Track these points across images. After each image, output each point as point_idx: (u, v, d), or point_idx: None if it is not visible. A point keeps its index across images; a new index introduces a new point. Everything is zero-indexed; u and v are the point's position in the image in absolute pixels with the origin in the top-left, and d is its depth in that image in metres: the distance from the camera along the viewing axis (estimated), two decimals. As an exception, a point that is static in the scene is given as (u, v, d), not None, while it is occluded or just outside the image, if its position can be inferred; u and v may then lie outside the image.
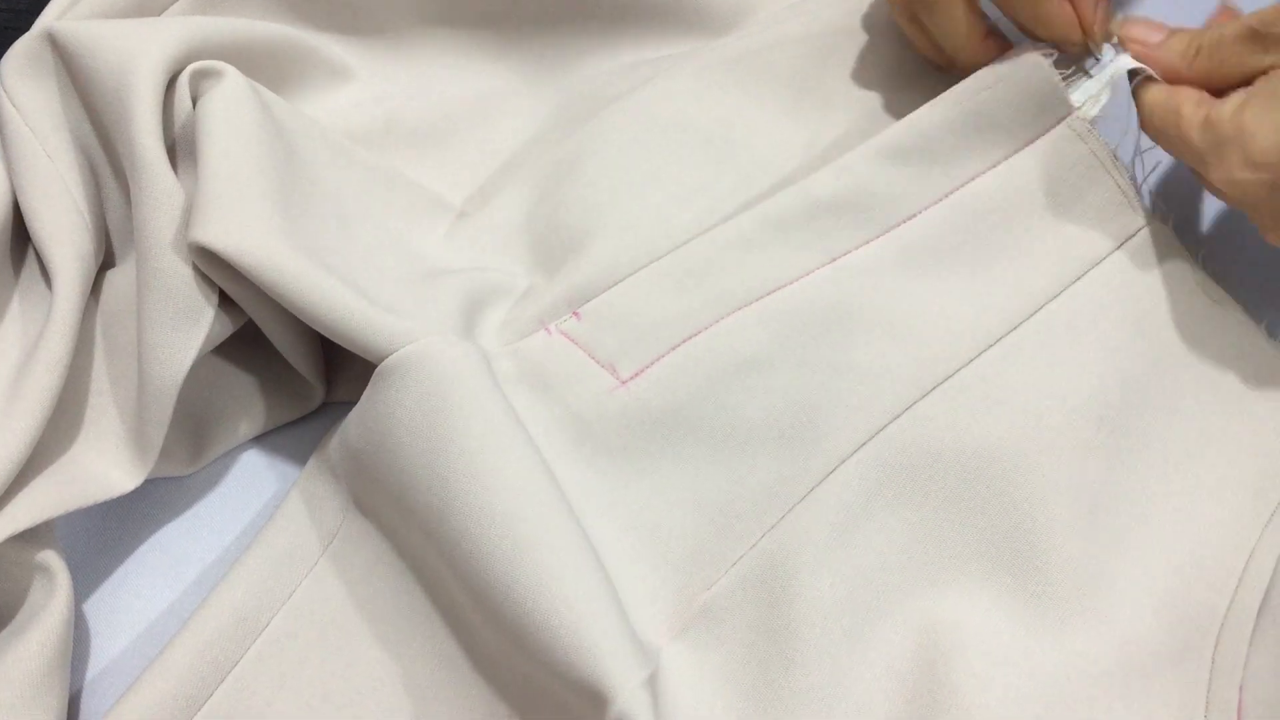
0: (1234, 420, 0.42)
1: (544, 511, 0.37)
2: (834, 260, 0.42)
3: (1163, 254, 0.43)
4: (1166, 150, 0.41)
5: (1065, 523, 0.39)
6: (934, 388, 0.40)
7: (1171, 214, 0.44)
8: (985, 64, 0.43)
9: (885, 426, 0.40)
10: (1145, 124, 0.41)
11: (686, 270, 0.42)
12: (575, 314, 0.42)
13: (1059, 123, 0.43)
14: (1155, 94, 0.40)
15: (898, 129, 0.43)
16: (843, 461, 0.40)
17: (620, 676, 0.34)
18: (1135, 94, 0.41)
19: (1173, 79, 0.40)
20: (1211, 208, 0.47)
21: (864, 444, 0.40)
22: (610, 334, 0.42)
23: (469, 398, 0.38)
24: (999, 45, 0.43)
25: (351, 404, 0.40)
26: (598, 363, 0.41)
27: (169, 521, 0.44)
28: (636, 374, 0.41)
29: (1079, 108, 0.42)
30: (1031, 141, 0.43)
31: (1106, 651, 0.38)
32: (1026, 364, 0.41)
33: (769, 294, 0.42)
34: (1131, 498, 0.40)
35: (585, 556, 0.37)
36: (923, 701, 0.38)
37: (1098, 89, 0.42)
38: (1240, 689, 0.37)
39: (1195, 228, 0.47)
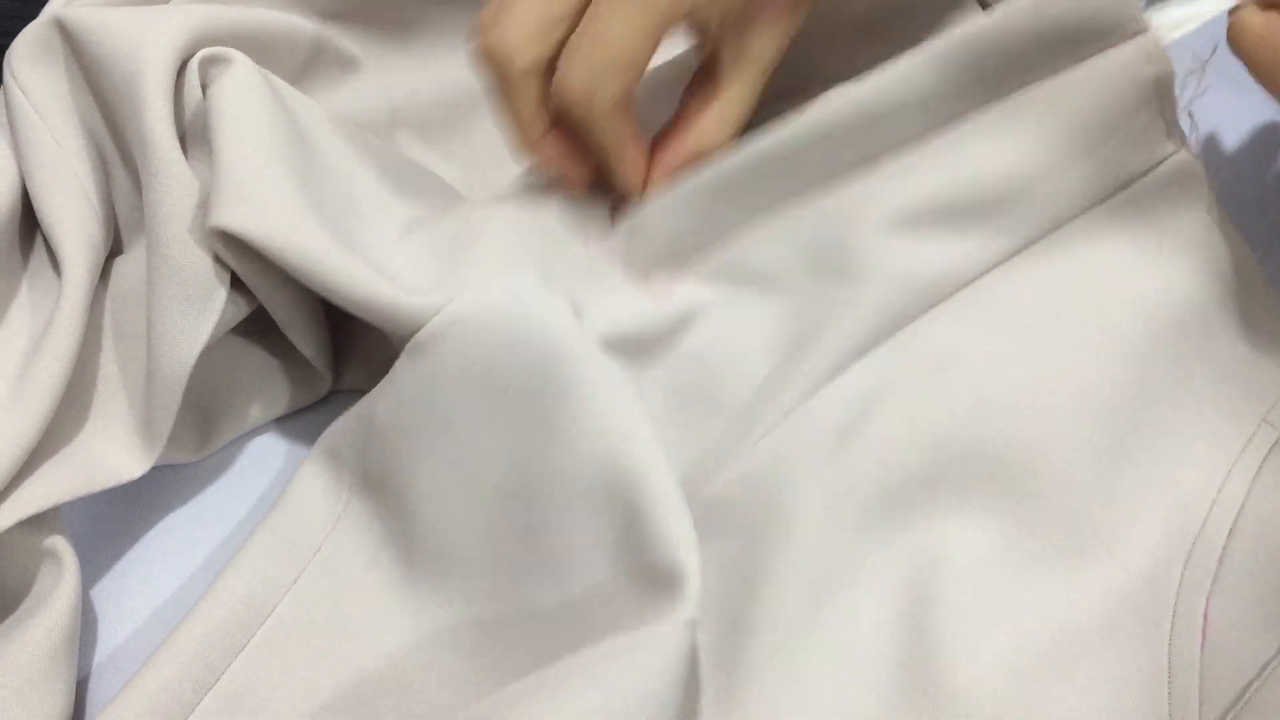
0: (1230, 358, 0.42)
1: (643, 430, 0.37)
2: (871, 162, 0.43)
3: (1185, 182, 0.43)
4: (1262, 83, 0.39)
5: (1076, 456, 0.39)
6: (939, 300, 0.41)
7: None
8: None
9: (887, 339, 0.41)
10: (1244, 54, 0.39)
11: (727, 183, 0.43)
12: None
13: (1129, 39, 0.41)
14: (1256, 20, 0.38)
15: (954, 37, 0.41)
16: (845, 369, 0.40)
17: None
18: (1232, 21, 0.39)
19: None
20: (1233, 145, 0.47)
21: (870, 350, 0.41)
22: (643, 248, 0.42)
23: (565, 333, 0.38)
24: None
25: (358, 391, 0.41)
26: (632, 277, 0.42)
27: (176, 507, 0.44)
28: (650, 283, 0.42)
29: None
30: (1092, 56, 0.42)
31: (1095, 606, 0.38)
32: (1036, 280, 0.42)
33: (797, 202, 0.43)
34: (1140, 431, 0.41)
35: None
36: (908, 642, 0.38)
37: (1180, 19, 0.42)
38: (1202, 636, 0.37)
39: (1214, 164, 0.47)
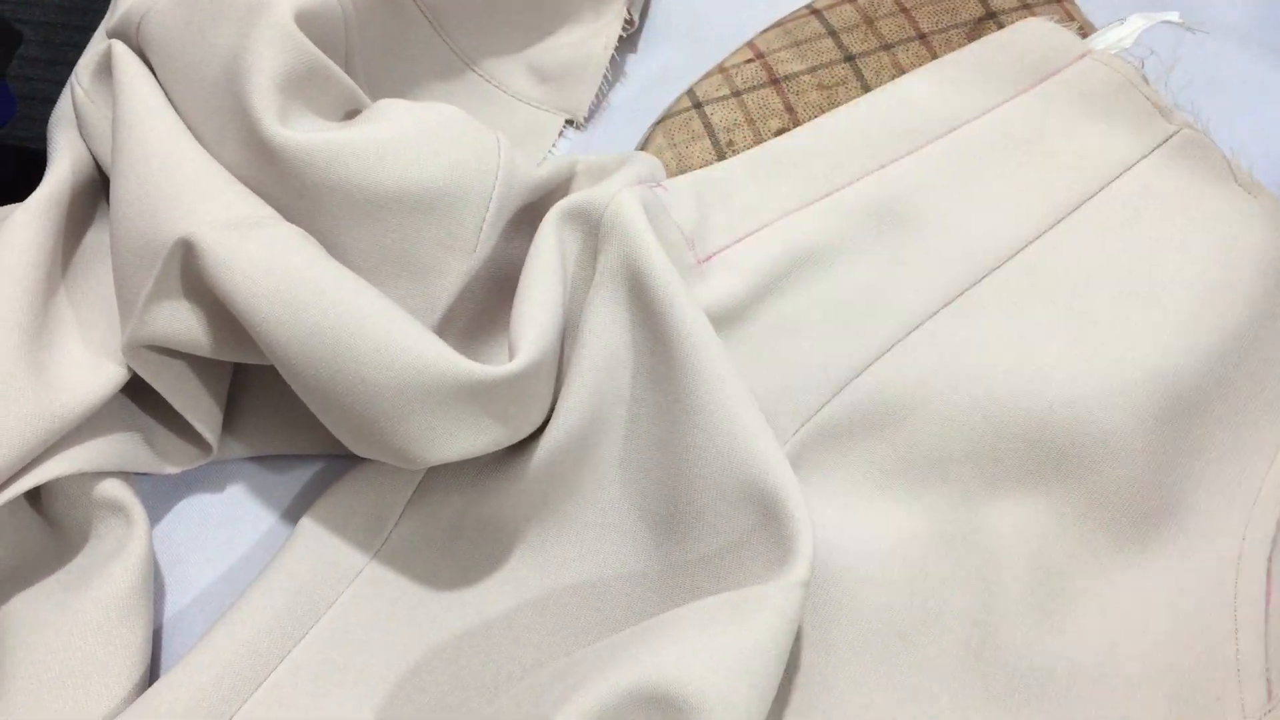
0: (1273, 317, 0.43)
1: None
2: (883, 167, 0.45)
3: (1198, 153, 0.45)
4: None
5: (1136, 425, 0.40)
6: (984, 276, 0.43)
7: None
8: None
9: (937, 311, 0.42)
10: None
11: (773, 160, 0.45)
12: (661, 184, 0.43)
13: (1081, 58, 0.46)
14: None
15: (939, 64, 0.47)
16: (898, 341, 0.42)
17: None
18: None
19: None
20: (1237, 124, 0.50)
21: (917, 326, 0.42)
22: (690, 210, 0.43)
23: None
24: None
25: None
26: (683, 234, 0.43)
27: (235, 479, 0.44)
28: (710, 257, 0.43)
29: (1101, 46, 0.46)
30: (1058, 71, 0.46)
31: (1159, 576, 0.39)
32: (1069, 255, 0.43)
33: (831, 193, 0.44)
34: (1198, 397, 0.42)
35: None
36: (974, 605, 0.39)
37: (1118, 37, 0.46)
38: (1266, 596, 0.38)
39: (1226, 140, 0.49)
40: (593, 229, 0.40)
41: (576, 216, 0.40)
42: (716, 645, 0.32)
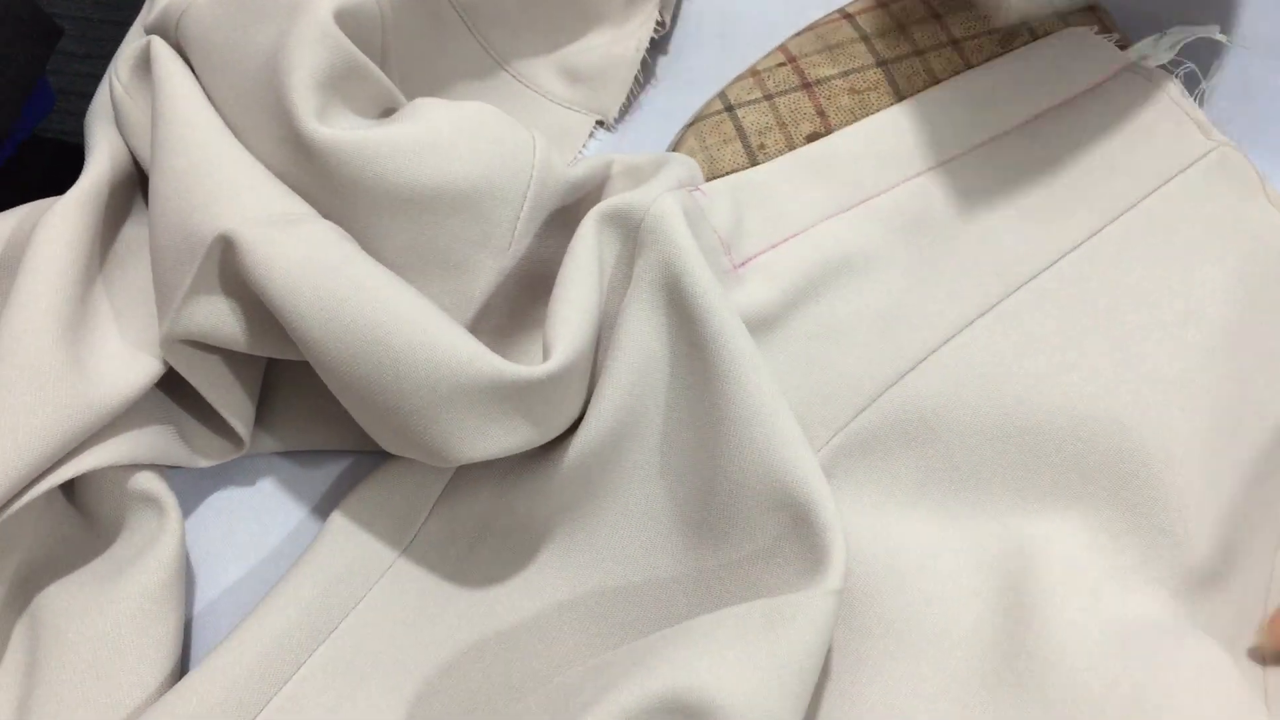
0: None
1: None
2: (918, 175, 0.45)
3: (1233, 171, 0.45)
4: None
5: (1173, 442, 0.40)
6: (1018, 288, 0.42)
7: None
8: None
9: (971, 322, 0.42)
10: None
11: (809, 166, 0.45)
12: (699, 188, 0.44)
13: (1121, 70, 0.46)
14: None
15: (976, 72, 0.47)
16: (932, 352, 0.42)
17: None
18: None
19: None
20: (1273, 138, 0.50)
21: (951, 337, 0.42)
22: (726, 215, 0.43)
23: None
24: None
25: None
26: (719, 239, 0.43)
27: (266, 473, 0.44)
28: (745, 262, 0.43)
29: (1140, 59, 0.46)
30: (1097, 84, 0.46)
31: (1193, 603, 0.39)
32: (1105, 269, 0.43)
33: (866, 200, 0.44)
34: (1234, 414, 0.41)
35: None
36: (1006, 619, 0.39)
37: (1158, 48, 0.46)
38: None
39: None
40: (632, 232, 0.40)
41: (616, 219, 0.41)
42: (749, 654, 0.32)
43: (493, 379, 0.36)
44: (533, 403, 0.38)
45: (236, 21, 0.41)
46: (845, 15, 0.51)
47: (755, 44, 0.53)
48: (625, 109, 0.52)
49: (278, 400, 0.44)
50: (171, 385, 0.41)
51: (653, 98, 0.53)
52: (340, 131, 0.38)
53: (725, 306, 0.38)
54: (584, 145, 0.52)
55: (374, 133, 0.39)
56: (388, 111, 0.43)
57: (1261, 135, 0.48)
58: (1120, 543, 0.40)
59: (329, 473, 0.44)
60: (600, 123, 0.52)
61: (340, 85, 0.40)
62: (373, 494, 0.42)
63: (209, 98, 0.42)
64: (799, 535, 0.36)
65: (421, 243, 0.40)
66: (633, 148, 0.52)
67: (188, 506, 0.43)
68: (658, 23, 0.52)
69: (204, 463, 0.42)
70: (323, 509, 0.43)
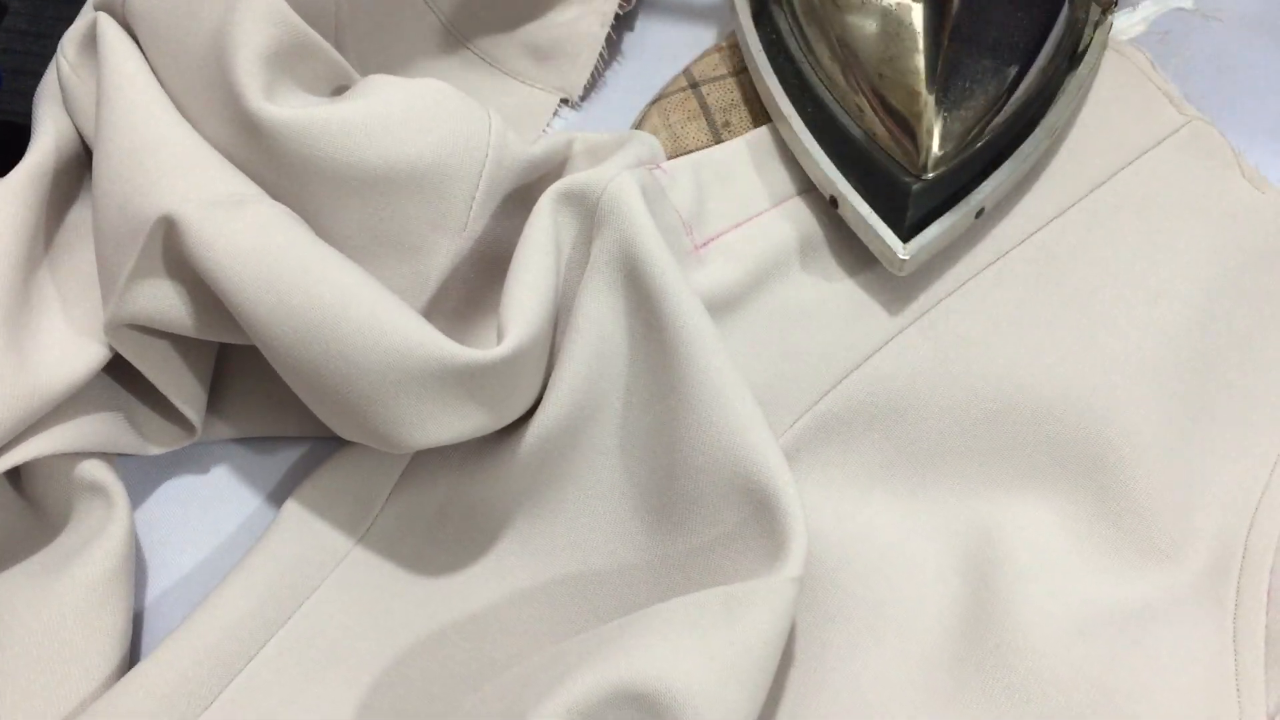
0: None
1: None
2: None
3: (1207, 145, 0.44)
4: None
5: (1141, 422, 0.40)
6: (986, 266, 0.42)
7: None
8: None
9: (939, 301, 0.41)
10: None
11: (771, 144, 0.44)
12: (660, 166, 0.43)
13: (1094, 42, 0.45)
14: None
15: None
16: (899, 333, 0.41)
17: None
18: None
19: None
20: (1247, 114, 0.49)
21: (919, 317, 0.41)
22: (688, 193, 0.42)
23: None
24: None
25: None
26: (680, 218, 0.42)
27: (218, 462, 0.44)
28: (707, 242, 0.42)
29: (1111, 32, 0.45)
30: (1070, 54, 0.45)
31: (1161, 583, 0.38)
32: (1074, 245, 0.42)
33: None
34: (1202, 395, 0.41)
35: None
36: (973, 600, 0.38)
37: (1130, 23, 0.45)
38: (1265, 609, 0.38)
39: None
40: (589, 211, 0.40)
41: (573, 198, 0.40)
42: (707, 642, 0.32)
43: (444, 363, 0.35)
44: (487, 387, 0.37)
45: None
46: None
47: (722, 19, 0.52)
48: (590, 86, 0.51)
49: (231, 385, 0.43)
50: (121, 370, 0.40)
51: (618, 74, 0.52)
52: (288, 110, 0.37)
53: (683, 288, 0.37)
54: (548, 123, 0.51)
55: (323, 111, 0.38)
56: (341, 89, 0.42)
57: (1236, 110, 0.48)
58: (1088, 526, 0.39)
59: (284, 460, 0.43)
60: (565, 100, 0.51)
61: (289, 62, 0.39)
62: (328, 481, 0.41)
63: (157, 76, 0.41)
64: (760, 521, 0.36)
65: (374, 224, 0.39)
66: (598, 125, 0.51)
67: (138, 495, 0.42)
68: (622, 1, 0.51)
69: (155, 450, 0.41)
70: (277, 496, 0.42)
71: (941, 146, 0.41)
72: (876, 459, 0.41)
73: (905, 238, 0.40)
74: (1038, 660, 0.37)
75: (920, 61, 0.41)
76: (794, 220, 0.42)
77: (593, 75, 0.51)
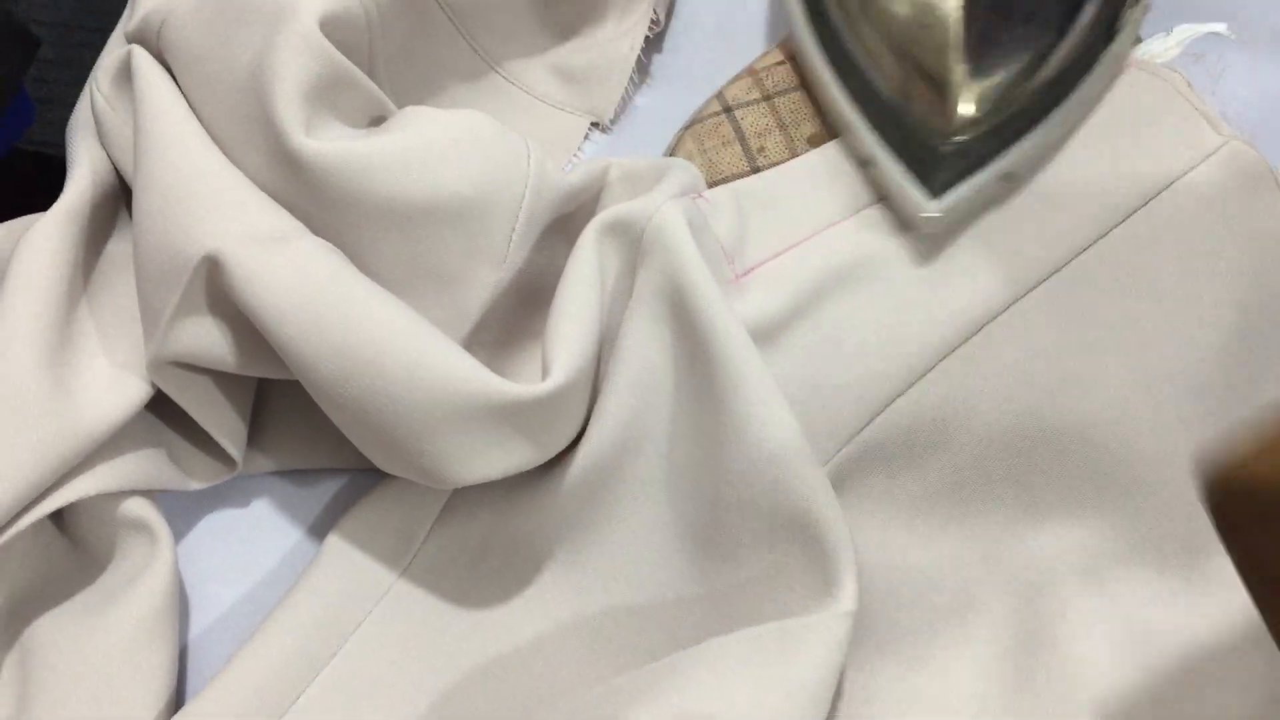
0: None
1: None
2: None
3: (1246, 167, 0.44)
4: None
5: (1179, 443, 0.39)
6: (1027, 291, 0.41)
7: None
8: None
9: (980, 328, 0.41)
10: None
11: (811, 172, 0.44)
12: (701, 195, 0.42)
13: (1129, 67, 0.44)
14: None
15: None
16: (940, 360, 0.40)
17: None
18: None
19: None
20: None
21: (960, 344, 0.41)
22: (730, 223, 0.42)
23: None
24: None
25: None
26: (722, 248, 0.42)
27: (257, 496, 0.44)
28: (748, 271, 0.42)
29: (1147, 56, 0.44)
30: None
31: (1216, 621, 0.38)
32: (1115, 269, 0.42)
33: (871, 205, 0.43)
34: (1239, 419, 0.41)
35: None
36: (1020, 629, 0.38)
37: (1164, 47, 0.45)
38: None
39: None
40: (634, 242, 0.39)
41: (618, 229, 0.39)
42: (762, 677, 0.32)
43: (490, 399, 0.35)
44: (532, 422, 0.37)
45: (219, 30, 0.40)
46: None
47: (753, 41, 0.52)
48: (621, 109, 0.51)
49: (271, 418, 0.43)
50: (161, 406, 0.40)
51: (649, 97, 0.52)
52: (328, 144, 0.37)
53: (730, 319, 0.37)
54: (579, 147, 0.51)
55: (362, 144, 0.38)
56: (377, 120, 0.42)
57: (1274, 131, 0.47)
58: (1131, 550, 0.39)
59: (325, 492, 0.43)
60: (595, 124, 0.51)
61: (327, 95, 0.39)
62: (370, 514, 0.41)
63: (193, 109, 0.41)
64: (808, 555, 0.36)
65: (414, 257, 0.39)
66: (629, 149, 0.50)
67: (180, 529, 0.42)
68: (653, 20, 0.51)
69: (196, 485, 0.41)
70: (319, 530, 0.42)
71: (972, 109, 0.41)
72: (919, 488, 0.40)
73: (935, 195, 0.41)
74: (1093, 683, 0.37)
75: (955, 26, 0.42)
76: (834, 249, 0.42)
77: (623, 98, 0.51)
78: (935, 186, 0.41)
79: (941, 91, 0.42)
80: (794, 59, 0.48)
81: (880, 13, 0.43)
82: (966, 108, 0.41)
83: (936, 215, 0.41)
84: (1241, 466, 0.27)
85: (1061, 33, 0.42)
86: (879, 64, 0.43)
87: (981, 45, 0.42)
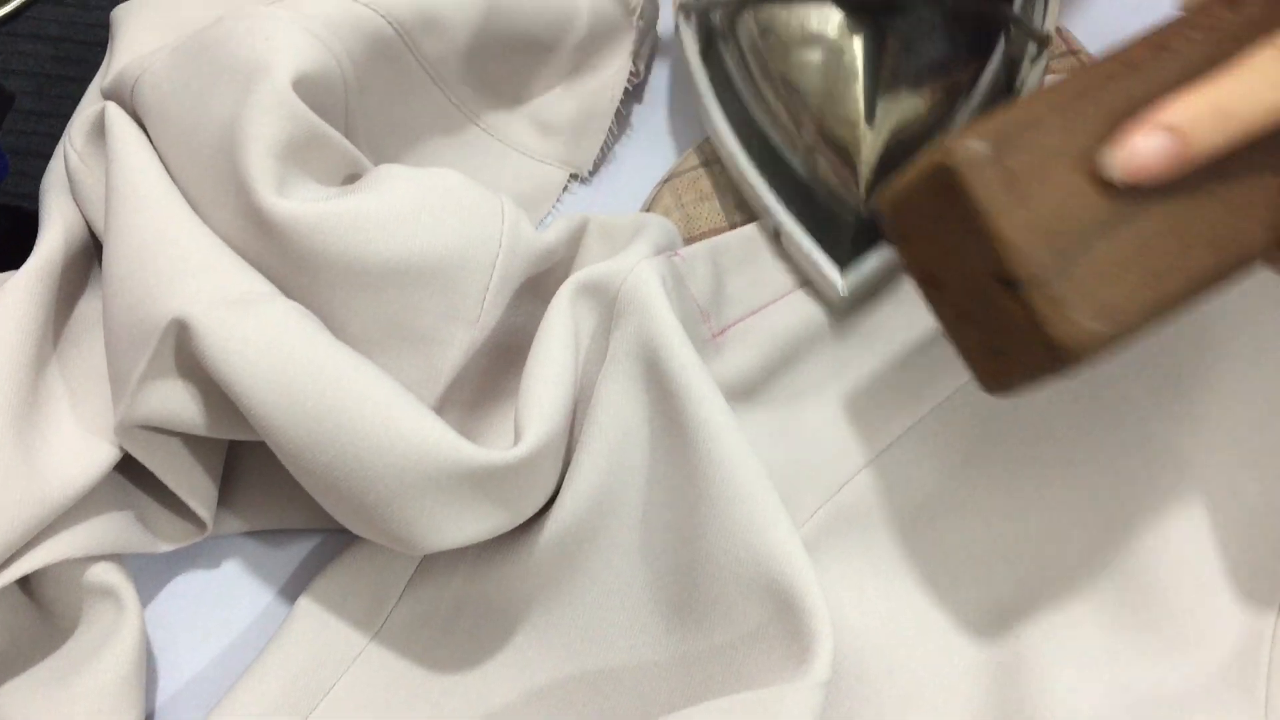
0: None
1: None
2: None
3: None
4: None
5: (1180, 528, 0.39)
6: None
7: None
8: None
9: (963, 384, 0.41)
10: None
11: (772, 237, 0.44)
12: (678, 253, 0.42)
13: None
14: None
15: None
16: (919, 420, 0.40)
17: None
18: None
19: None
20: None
21: (939, 404, 0.40)
22: (705, 280, 0.42)
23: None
24: None
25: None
26: (699, 307, 0.41)
27: (226, 558, 0.43)
28: (724, 330, 0.42)
29: None
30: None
31: (1190, 673, 0.38)
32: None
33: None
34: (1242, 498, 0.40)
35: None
36: (1000, 694, 0.38)
37: None
38: None
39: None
40: (609, 302, 0.39)
41: (592, 290, 0.39)
42: None
43: (461, 466, 0.35)
44: (504, 488, 0.36)
45: (193, 87, 0.40)
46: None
47: (732, 91, 0.51)
48: (600, 161, 0.51)
49: (242, 478, 0.43)
50: (129, 467, 0.40)
51: (628, 147, 0.52)
52: (300, 205, 0.37)
53: (705, 382, 0.37)
54: (558, 199, 0.50)
55: (335, 205, 0.37)
56: (352, 177, 0.42)
57: None
58: (1113, 615, 0.39)
59: (297, 553, 0.42)
60: (575, 176, 0.51)
61: (299, 154, 0.39)
62: (341, 576, 0.40)
63: (166, 166, 0.41)
64: (784, 622, 0.35)
65: (387, 317, 0.38)
66: (608, 200, 0.50)
67: (149, 590, 0.41)
68: (631, 72, 0.51)
69: (165, 547, 0.40)
70: (290, 591, 0.42)
71: (879, 178, 0.40)
72: (898, 549, 0.40)
73: (844, 268, 0.41)
74: None
75: (858, 94, 0.41)
76: (809, 306, 0.42)
77: (602, 149, 0.51)
78: (846, 261, 0.41)
79: (851, 162, 0.41)
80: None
81: (785, 82, 0.43)
82: (876, 177, 0.41)
83: (845, 293, 0.41)
84: (900, 186, 0.32)
85: (965, 96, 0.42)
86: (786, 133, 0.43)
87: (888, 113, 0.41)
